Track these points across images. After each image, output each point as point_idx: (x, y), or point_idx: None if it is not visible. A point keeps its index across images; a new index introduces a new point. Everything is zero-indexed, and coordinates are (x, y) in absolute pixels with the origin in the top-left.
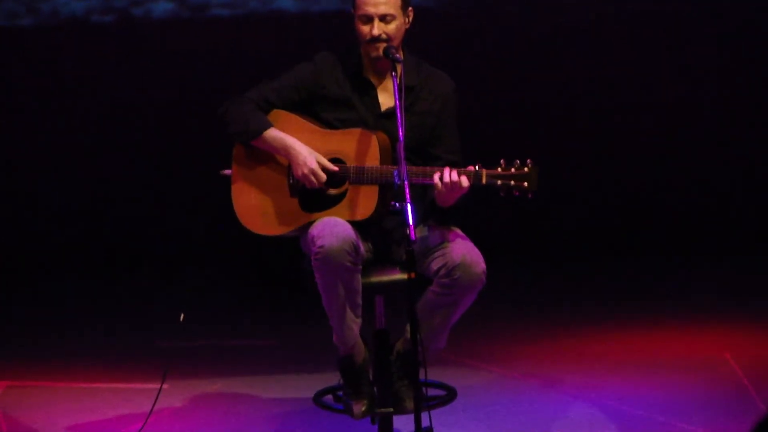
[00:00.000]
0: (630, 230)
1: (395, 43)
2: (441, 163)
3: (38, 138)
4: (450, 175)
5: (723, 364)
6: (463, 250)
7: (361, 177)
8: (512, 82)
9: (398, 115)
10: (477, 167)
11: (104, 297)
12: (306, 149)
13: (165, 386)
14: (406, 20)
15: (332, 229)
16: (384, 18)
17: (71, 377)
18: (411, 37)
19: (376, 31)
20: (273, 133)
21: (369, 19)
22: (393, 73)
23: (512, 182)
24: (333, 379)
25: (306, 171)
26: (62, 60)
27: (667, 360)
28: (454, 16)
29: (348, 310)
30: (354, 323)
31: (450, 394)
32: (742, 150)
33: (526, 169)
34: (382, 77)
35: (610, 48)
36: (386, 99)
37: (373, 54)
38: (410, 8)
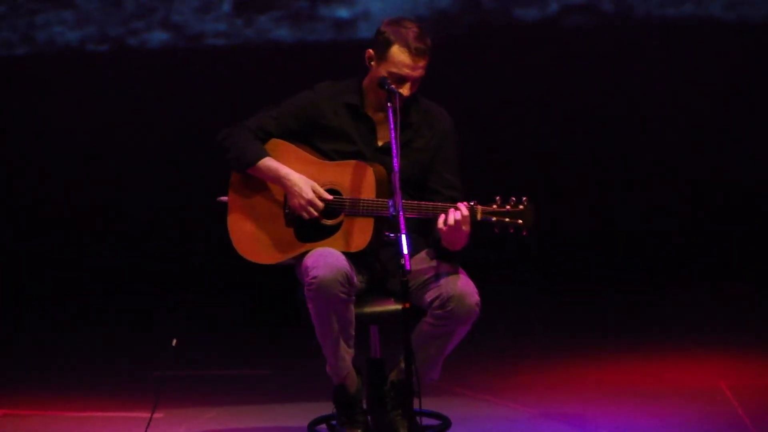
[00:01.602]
0: (625, 258)
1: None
2: (440, 198)
3: (33, 166)
4: (452, 215)
5: (718, 393)
6: (457, 282)
7: (356, 209)
8: (508, 117)
9: (393, 144)
10: (472, 203)
11: (98, 326)
12: (302, 179)
13: (158, 415)
14: None
15: (326, 259)
16: (417, 80)
17: (65, 406)
18: None
19: (407, 93)
20: (268, 163)
21: (404, 81)
22: (389, 104)
23: (507, 219)
24: (327, 408)
25: (303, 202)
26: (57, 89)
27: (663, 389)
28: (450, 48)
29: (341, 340)
30: (347, 353)
31: (444, 424)
32: (737, 177)
33: (521, 206)
34: (381, 113)
35: (607, 80)
36: (385, 134)
37: (388, 104)
38: None
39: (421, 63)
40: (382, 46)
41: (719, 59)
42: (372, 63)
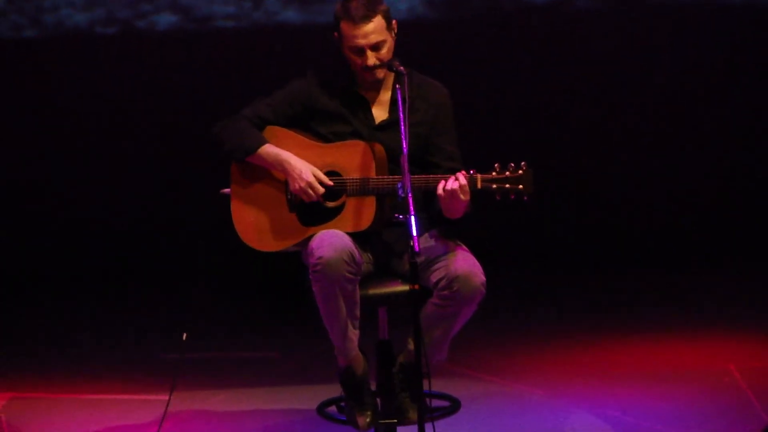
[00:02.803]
0: (635, 241)
1: (387, 60)
2: (441, 171)
3: (41, 149)
4: (450, 182)
5: (727, 376)
6: (462, 262)
7: (363, 189)
8: (503, 85)
9: (402, 128)
10: (471, 172)
11: (109, 309)
12: (302, 163)
13: (171, 398)
14: (393, 35)
15: (330, 240)
16: (376, 46)
17: (75, 389)
18: (402, 45)
19: (370, 62)
20: (268, 149)
21: (361, 51)
22: (398, 86)
23: (507, 185)
24: (336, 390)
25: (303, 185)
26: (66, 72)
27: (671, 371)
28: (446, 22)
29: (347, 321)
30: (353, 335)
31: (454, 405)
32: (748, 162)
33: (520, 171)
34: (374, 91)
35: (607, 49)
36: (380, 112)
37: (371, 80)
38: (394, 21)
39: (368, 28)
40: (336, 26)
41: (727, 42)
42: (339, 46)
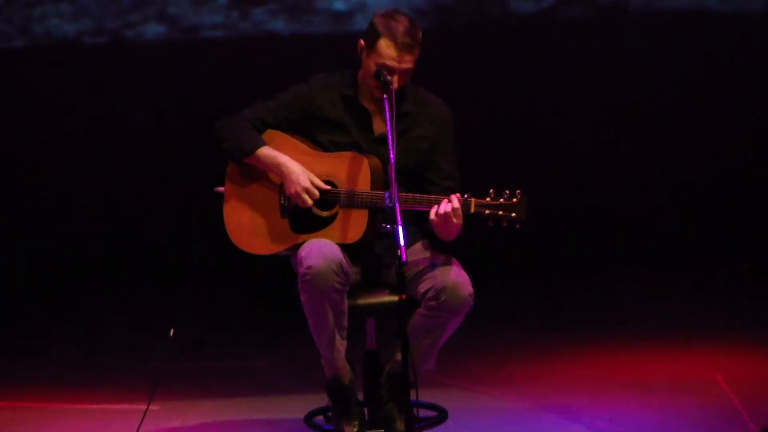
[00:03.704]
0: (620, 251)
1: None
2: (436, 189)
3: (30, 159)
4: (443, 206)
5: (714, 386)
6: (450, 273)
7: (352, 201)
8: (503, 108)
9: (389, 137)
10: (466, 196)
11: (94, 317)
12: (299, 167)
13: (155, 407)
14: None
15: (320, 249)
16: (405, 72)
17: (61, 398)
18: None
19: (395, 85)
20: (266, 151)
21: (391, 72)
22: (384, 95)
23: (500, 212)
24: (324, 400)
25: (299, 189)
26: (54, 82)
27: (659, 382)
28: (434, 31)
29: (335, 331)
30: (341, 345)
31: (441, 415)
32: (733, 169)
33: (514, 199)
34: (377, 103)
35: (596, 57)
36: (380, 124)
37: (378, 96)
38: None
39: (408, 57)
40: (372, 37)
41: (715, 51)
42: (363, 54)
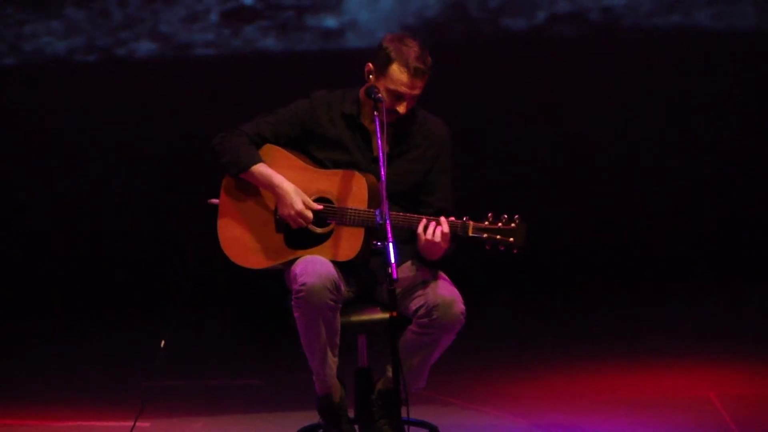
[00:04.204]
0: (613, 268)
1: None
2: (431, 211)
3: (20, 176)
4: (433, 231)
5: (707, 403)
6: (442, 291)
7: (343, 219)
8: (496, 126)
9: (380, 154)
10: (464, 219)
11: (85, 335)
12: (293, 189)
13: (145, 424)
14: None
15: (314, 267)
16: (414, 98)
17: (52, 415)
18: None
19: (403, 111)
20: (261, 169)
21: (400, 97)
22: (376, 113)
23: (498, 237)
24: (315, 417)
25: (293, 213)
26: (45, 100)
27: (652, 399)
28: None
29: (327, 348)
30: (333, 362)
31: None
32: (728, 186)
33: (513, 224)
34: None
35: (588, 73)
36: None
37: (388, 120)
38: None
39: (419, 83)
40: (383, 62)
41: (707, 69)
42: (371, 77)
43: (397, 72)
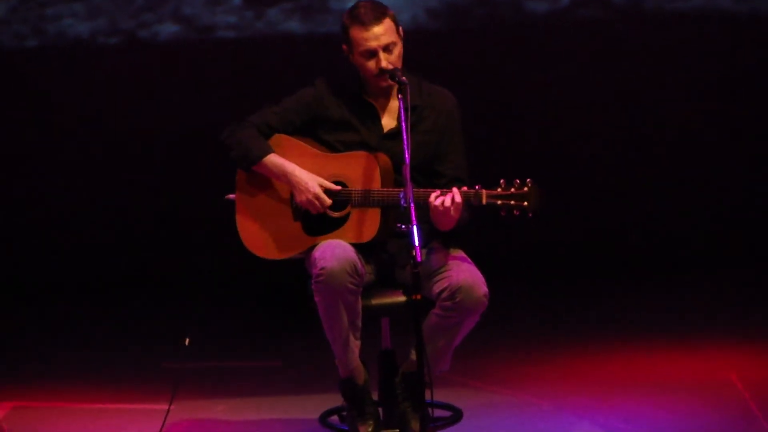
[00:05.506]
0: (633, 250)
1: (399, 66)
2: (446, 181)
3: (43, 160)
4: (443, 200)
5: (729, 386)
6: (465, 273)
7: (366, 200)
8: (505, 94)
9: (404, 137)
10: (477, 188)
11: (110, 318)
12: (306, 174)
13: (171, 407)
14: (401, 41)
15: (333, 250)
16: (387, 48)
17: (78, 398)
18: (412, 57)
19: (384, 64)
20: (273, 159)
21: (373, 54)
22: (400, 96)
23: (512, 202)
24: (339, 400)
25: (310, 197)
26: (68, 81)
27: (673, 381)
28: (448, 32)
29: (349, 332)
30: (355, 345)
31: (456, 415)
32: (749, 169)
33: (525, 188)
34: (383, 99)
35: (609, 57)
36: (388, 120)
37: (384, 85)
38: (400, 28)
39: (379, 30)
40: (345, 33)
41: (730, 51)
42: (350, 57)
43: (356, 32)
